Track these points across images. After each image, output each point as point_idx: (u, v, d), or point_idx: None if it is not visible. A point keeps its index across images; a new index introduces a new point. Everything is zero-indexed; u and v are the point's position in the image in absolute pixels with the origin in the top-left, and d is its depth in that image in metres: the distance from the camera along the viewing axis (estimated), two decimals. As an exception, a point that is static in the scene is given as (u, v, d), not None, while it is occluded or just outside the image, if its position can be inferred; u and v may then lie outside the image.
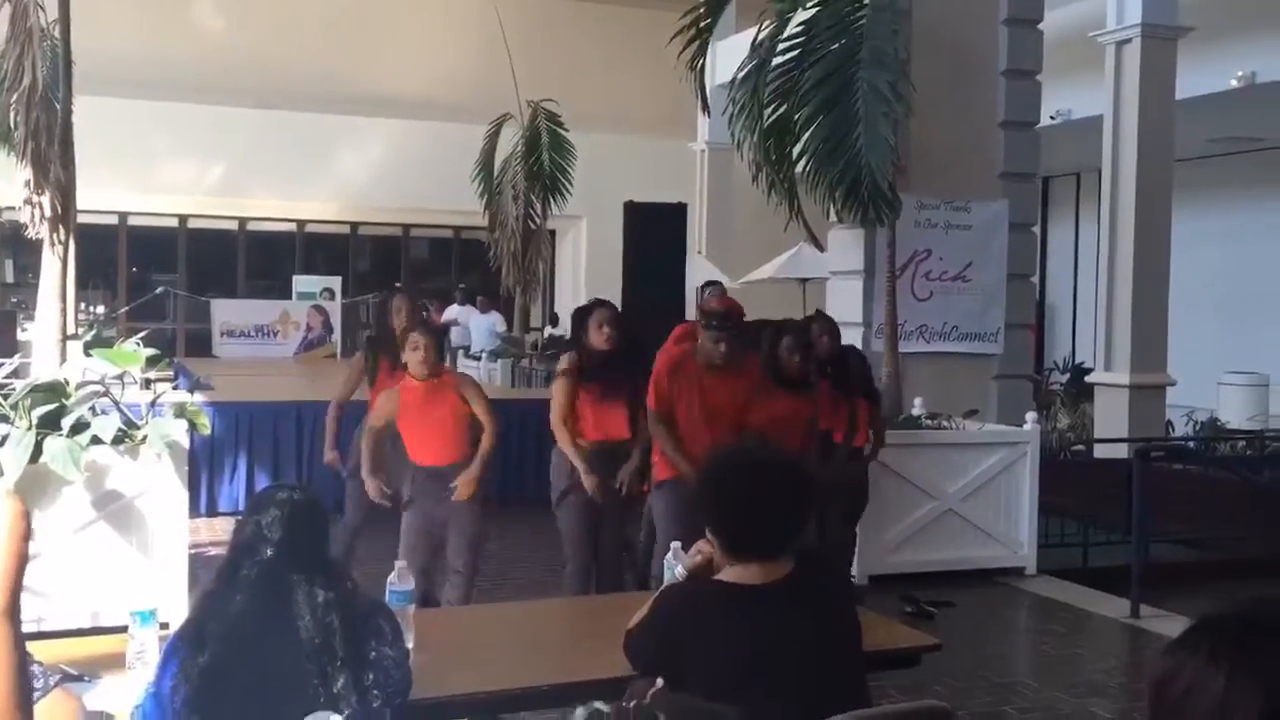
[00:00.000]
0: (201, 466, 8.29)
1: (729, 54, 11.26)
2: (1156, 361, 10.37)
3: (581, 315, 5.32)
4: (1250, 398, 12.78)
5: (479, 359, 13.93)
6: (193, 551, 5.80)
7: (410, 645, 2.65)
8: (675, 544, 3.39)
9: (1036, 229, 9.73)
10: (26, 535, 0.64)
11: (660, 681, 1.64)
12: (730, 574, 2.55)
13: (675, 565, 3.11)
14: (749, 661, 2.41)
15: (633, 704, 1.45)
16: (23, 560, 0.61)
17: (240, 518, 2.39)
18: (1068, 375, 14.96)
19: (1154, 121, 10.18)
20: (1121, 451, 8.82)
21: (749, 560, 2.52)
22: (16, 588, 0.59)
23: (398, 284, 18.80)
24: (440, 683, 2.77)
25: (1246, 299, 14.39)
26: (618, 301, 10.58)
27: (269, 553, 2.25)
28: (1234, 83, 11.42)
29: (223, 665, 2.18)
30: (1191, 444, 10.79)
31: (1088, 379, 11.73)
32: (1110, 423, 10.29)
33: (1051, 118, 12.35)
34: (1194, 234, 12.92)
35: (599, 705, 1.28)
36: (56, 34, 7.15)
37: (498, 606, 4.84)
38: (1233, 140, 13.89)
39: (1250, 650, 1.09)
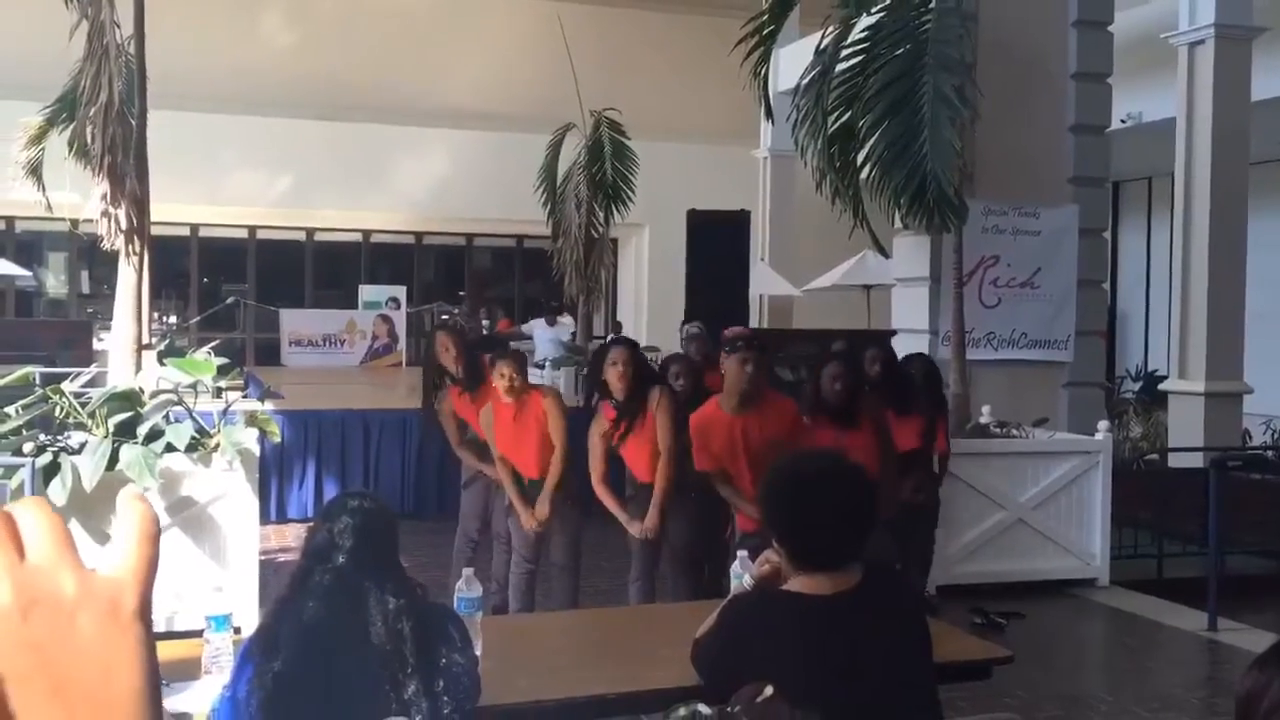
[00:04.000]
0: (271, 473, 8.42)
1: (792, 60, 11.21)
2: (1232, 369, 10.13)
3: (597, 358, 5.31)
4: (1330, 406, 12.44)
5: (543, 368, 14.00)
6: (262, 558, 5.89)
7: (479, 652, 2.66)
8: (742, 553, 3.37)
9: (1107, 234, 9.57)
10: (157, 538, 0.65)
11: (770, 689, 1.62)
12: (798, 584, 2.52)
13: (742, 574, 3.09)
14: (818, 673, 2.38)
15: (737, 708, 1.43)
16: (154, 563, 0.63)
17: (312, 525, 2.42)
18: (1140, 383, 14.68)
19: (1228, 124, 9.96)
20: (1197, 461, 8.63)
21: (816, 570, 2.50)
22: (148, 589, 0.61)
23: (444, 315, 18.93)
24: (508, 690, 2.77)
25: (1326, 304, 14.01)
26: (680, 310, 10.60)
27: (341, 560, 2.27)
28: (1312, 83, 11.15)
29: (296, 671, 2.20)
30: (1269, 453, 10.53)
31: (1161, 387, 11.49)
32: (1185, 432, 10.07)
33: (1122, 121, 12.14)
34: (1270, 238, 12.62)
35: (700, 707, 1.26)
36: (131, 50, 7.32)
37: (566, 614, 4.85)
38: (1310, 142, 13.55)
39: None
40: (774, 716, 1.39)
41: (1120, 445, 9.82)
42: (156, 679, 0.54)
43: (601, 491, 5.15)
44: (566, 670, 3.09)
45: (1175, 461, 9.39)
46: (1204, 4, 10.02)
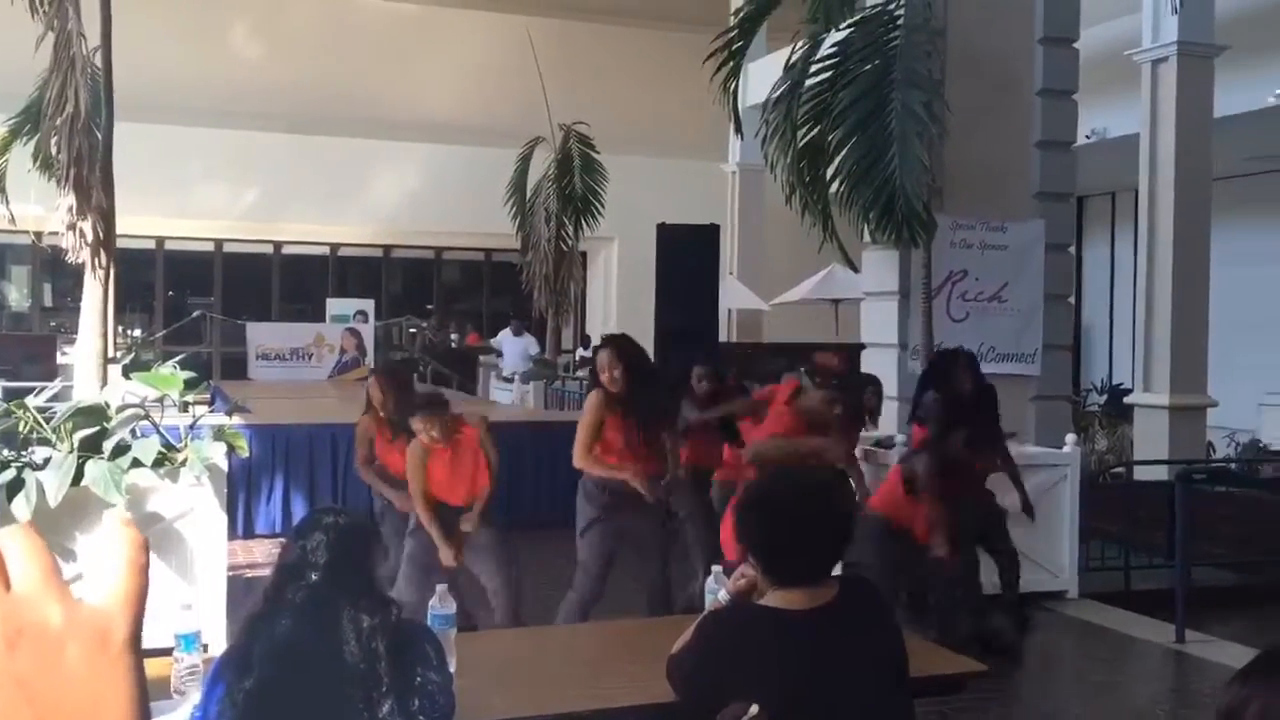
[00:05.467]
0: (239, 489, 8.33)
1: (761, 75, 11.27)
2: (1196, 382, 10.24)
3: (591, 362, 5.42)
4: (1292, 419, 12.61)
5: (512, 381, 13.96)
6: (231, 574, 5.82)
7: (453, 669, 2.64)
8: (717, 568, 3.37)
9: (1072, 249, 9.66)
10: (147, 566, 0.64)
11: (755, 708, 1.61)
12: (774, 599, 2.52)
13: (718, 589, 3.08)
14: (795, 689, 2.37)
15: None
16: (144, 592, 0.61)
17: (285, 541, 2.39)
18: (1105, 396, 14.81)
19: (1191, 140, 10.10)
20: (1162, 474, 8.71)
21: (792, 586, 2.49)
22: (139, 619, 0.59)
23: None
24: (484, 707, 2.75)
25: (1288, 318, 14.19)
26: (649, 324, 10.60)
27: (314, 577, 2.25)
28: (1272, 100, 11.31)
29: (269, 689, 2.17)
30: (1233, 466, 10.65)
31: (1126, 400, 11.60)
32: (1150, 445, 10.17)
33: (1087, 136, 12.27)
34: (1233, 253, 12.79)
35: None
36: (97, 62, 7.26)
37: (540, 630, 4.81)
38: (1272, 158, 13.74)
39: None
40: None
41: (1086, 458, 9.89)
42: (147, 711, 0.53)
43: (587, 462, 5.06)
44: (543, 687, 3.06)
45: (1141, 474, 9.47)
46: (1167, 22, 10.17)
